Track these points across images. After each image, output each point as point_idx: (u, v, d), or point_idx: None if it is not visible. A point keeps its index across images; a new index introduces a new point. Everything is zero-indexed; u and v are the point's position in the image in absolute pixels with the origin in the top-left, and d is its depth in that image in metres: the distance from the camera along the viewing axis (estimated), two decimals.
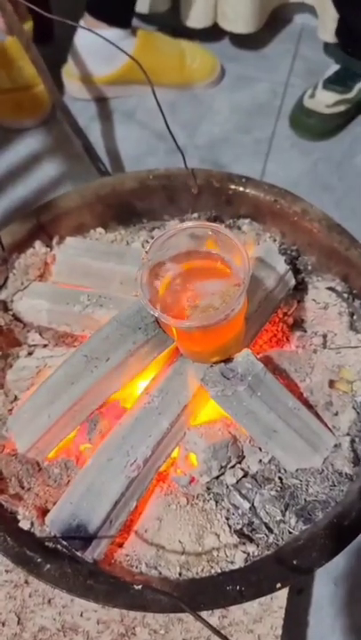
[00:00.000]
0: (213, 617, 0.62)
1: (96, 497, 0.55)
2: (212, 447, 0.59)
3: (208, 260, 0.55)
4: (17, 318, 0.71)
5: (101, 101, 1.34)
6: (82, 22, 1.26)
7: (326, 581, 0.77)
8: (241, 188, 0.77)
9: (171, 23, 1.40)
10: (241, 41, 1.43)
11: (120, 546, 0.58)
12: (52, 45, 1.46)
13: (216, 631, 0.42)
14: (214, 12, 1.34)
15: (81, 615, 0.62)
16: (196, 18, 1.36)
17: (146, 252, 0.54)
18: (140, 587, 0.49)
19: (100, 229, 0.79)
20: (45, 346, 0.70)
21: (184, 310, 0.53)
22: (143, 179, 0.78)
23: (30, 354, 0.68)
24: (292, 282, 0.68)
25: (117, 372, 0.59)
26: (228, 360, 0.59)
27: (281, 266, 0.66)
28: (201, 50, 1.34)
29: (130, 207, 0.79)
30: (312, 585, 0.77)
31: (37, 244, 0.75)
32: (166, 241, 0.54)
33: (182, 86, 1.33)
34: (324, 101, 1.21)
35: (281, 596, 0.63)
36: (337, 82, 1.22)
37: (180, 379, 0.60)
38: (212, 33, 1.41)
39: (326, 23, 1.29)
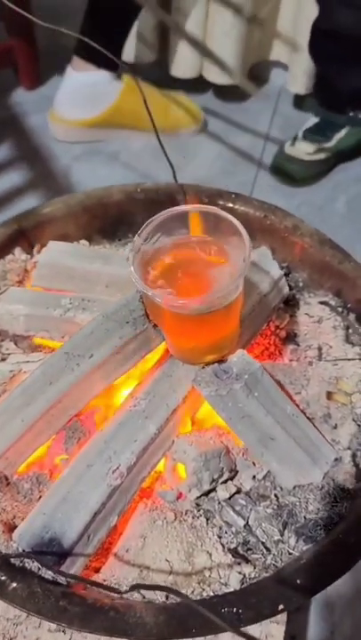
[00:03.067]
0: None
1: (73, 507, 0.49)
2: (203, 456, 0.53)
3: (204, 246, 0.52)
4: None
5: (86, 144, 1.35)
6: (69, 66, 1.29)
7: (322, 628, 0.70)
8: (230, 204, 0.75)
9: (155, 75, 1.45)
10: (223, 95, 1.48)
11: (97, 571, 0.51)
12: (39, 90, 1.50)
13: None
14: (200, 64, 1.39)
15: None
16: (184, 69, 1.40)
17: (138, 234, 0.51)
18: (127, 588, 0.42)
19: (83, 241, 0.75)
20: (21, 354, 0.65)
21: (178, 296, 0.49)
22: (131, 192, 0.76)
23: (4, 359, 0.63)
24: (286, 289, 0.65)
25: (101, 371, 0.54)
26: (221, 361, 0.55)
27: (275, 270, 0.64)
28: (185, 99, 1.38)
29: (116, 220, 0.76)
30: (306, 632, 0.69)
31: (17, 250, 0.71)
32: (159, 224, 0.51)
33: (166, 132, 1.35)
34: (305, 150, 1.24)
35: (278, 635, 0.56)
36: (317, 132, 1.26)
37: (169, 381, 0.55)
38: (195, 87, 1.46)
39: (297, 76, 1.35)
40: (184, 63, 1.38)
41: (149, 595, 0.48)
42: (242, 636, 0.34)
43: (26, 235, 0.71)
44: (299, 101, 1.46)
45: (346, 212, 1.24)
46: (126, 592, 0.41)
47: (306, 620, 0.70)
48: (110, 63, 1.25)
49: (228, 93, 1.46)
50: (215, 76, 1.38)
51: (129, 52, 1.39)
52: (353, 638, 0.71)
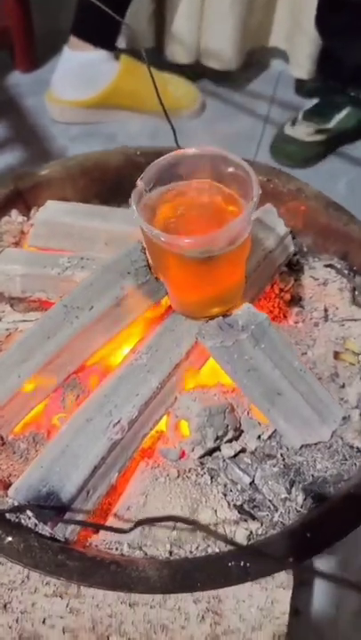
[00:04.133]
0: (204, 624, 0.51)
1: (72, 461, 0.47)
2: (207, 411, 0.51)
3: (209, 191, 0.50)
4: None
5: (83, 125, 1.33)
6: (66, 45, 1.27)
7: (326, 603, 0.67)
8: (232, 168, 0.73)
9: (152, 61, 1.43)
10: (221, 80, 1.47)
11: (96, 532, 0.49)
12: (35, 73, 1.48)
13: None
14: (198, 49, 1.37)
15: (43, 622, 0.51)
16: (180, 54, 1.39)
17: (140, 178, 0.49)
18: (131, 525, 0.39)
19: None
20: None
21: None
22: (130, 154, 0.74)
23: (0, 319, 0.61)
24: (292, 247, 0.63)
25: (101, 325, 0.52)
26: (226, 315, 0.53)
27: (281, 227, 0.62)
28: (183, 80, 1.36)
29: (114, 184, 0.74)
30: (310, 606, 0.67)
31: (14, 212, 0.69)
32: (163, 168, 0.49)
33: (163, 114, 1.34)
34: (304, 130, 1.23)
35: (284, 600, 0.54)
36: (316, 113, 1.24)
37: (171, 335, 0.53)
38: (193, 72, 1.44)
39: (300, 61, 1.34)
40: (181, 49, 1.36)
41: (152, 551, 0.45)
42: (253, 552, 0.31)
43: (23, 196, 0.69)
44: (299, 86, 1.45)
45: (347, 194, 1.22)
46: (131, 529, 0.39)
47: (310, 595, 0.68)
48: (107, 42, 1.23)
49: (226, 78, 1.44)
50: (213, 61, 1.37)
51: (124, 37, 1.37)
52: (358, 614, 0.69)
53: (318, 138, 1.24)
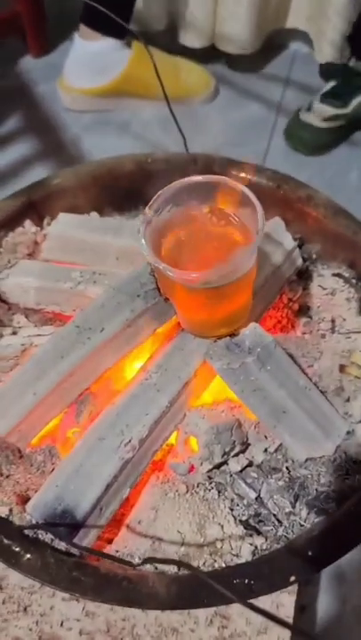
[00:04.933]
0: (213, 627, 0.55)
1: (86, 479, 0.49)
2: (215, 429, 0.53)
3: (216, 218, 0.51)
4: (2, 299, 0.66)
5: (95, 113, 1.32)
6: (77, 34, 1.26)
7: (331, 599, 0.70)
8: (243, 174, 0.74)
9: (167, 44, 1.41)
10: (234, 63, 1.45)
11: (109, 542, 0.52)
12: (47, 58, 1.47)
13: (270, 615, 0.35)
14: (212, 33, 1.35)
15: (61, 625, 0.55)
16: (194, 38, 1.36)
17: (148, 207, 0.50)
18: (140, 561, 0.42)
19: (94, 213, 0.74)
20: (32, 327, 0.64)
21: (189, 269, 0.48)
22: (141, 162, 0.74)
23: (15, 333, 0.63)
24: (300, 260, 0.64)
25: (112, 345, 0.54)
26: (233, 335, 0.54)
27: (288, 242, 0.63)
28: (196, 66, 1.34)
29: (126, 191, 0.75)
30: (316, 602, 0.70)
31: (27, 222, 0.70)
32: (171, 196, 0.50)
33: (176, 100, 1.32)
34: (321, 115, 1.21)
35: (288, 604, 0.57)
36: (334, 96, 1.22)
37: (180, 354, 0.55)
38: (206, 55, 1.42)
39: (323, 46, 1.31)
40: (195, 32, 1.34)
41: (161, 566, 0.48)
42: (249, 607, 0.34)
43: (35, 207, 0.71)
44: (315, 67, 1.42)
45: (358, 184, 1.21)
46: (138, 565, 0.42)
47: (316, 590, 0.71)
48: (118, 31, 1.22)
49: (241, 61, 1.42)
50: (228, 45, 1.34)
51: (138, 20, 1.35)
52: None
53: (334, 124, 1.22)
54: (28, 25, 1.40)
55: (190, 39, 1.37)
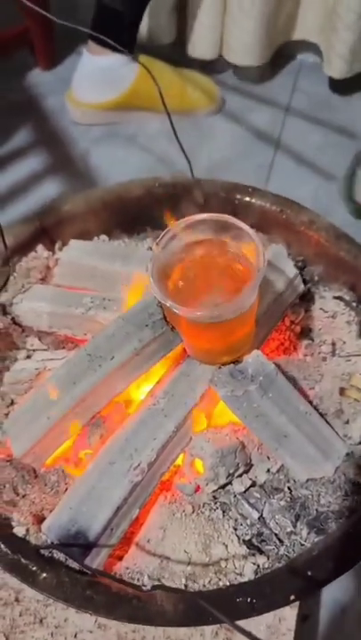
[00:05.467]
0: (218, 639, 0.58)
1: (97, 502, 0.52)
2: (219, 452, 0.56)
3: (221, 255, 0.53)
4: (16, 322, 0.69)
5: (103, 126, 1.35)
6: (85, 49, 1.28)
7: (333, 608, 0.73)
8: (247, 198, 0.76)
9: (174, 55, 1.43)
10: (243, 73, 1.46)
11: (120, 559, 0.55)
12: (56, 71, 1.49)
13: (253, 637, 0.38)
14: (221, 45, 1.37)
15: (75, 636, 0.58)
16: (202, 49, 1.38)
17: (156, 243, 0.52)
18: (148, 587, 0.45)
19: (103, 236, 0.77)
20: (45, 350, 0.67)
21: (195, 304, 0.51)
22: (149, 187, 0.77)
23: (29, 357, 0.66)
24: (301, 287, 0.67)
25: (122, 372, 0.57)
26: (237, 361, 0.57)
27: (290, 269, 0.65)
28: (202, 78, 1.36)
29: (135, 215, 0.78)
30: (318, 611, 0.73)
31: (40, 247, 0.73)
32: (179, 233, 0.53)
33: (183, 113, 1.35)
34: None
35: (290, 618, 0.59)
36: None
37: (186, 380, 0.58)
38: (213, 65, 1.44)
39: (332, 59, 1.32)
40: (203, 44, 1.36)
41: (169, 583, 0.51)
42: (236, 629, 0.37)
43: (47, 232, 0.73)
44: (322, 78, 1.43)
45: None
46: (148, 591, 0.45)
47: (318, 600, 0.74)
48: (125, 46, 1.24)
49: (248, 71, 1.44)
50: (236, 57, 1.36)
51: (145, 32, 1.37)
52: None
53: None
54: (36, 38, 1.43)
55: (199, 51, 1.39)
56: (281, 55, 1.49)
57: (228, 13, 1.31)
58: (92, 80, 1.29)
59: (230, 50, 1.36)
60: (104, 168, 1.27)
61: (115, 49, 1.22)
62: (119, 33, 1.22)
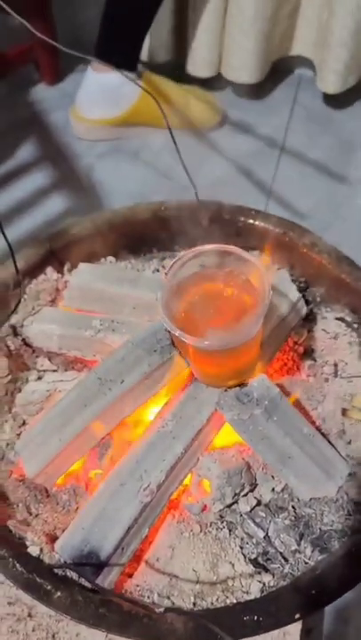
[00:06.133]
0: None
1: (108, 522, 0.54)
2: (226, 473, 0.58)
3: (228, 283, 0.55)
4: (26, 343, 0.71)
5: (107, 142, 1.37)
6: (89, 66, 1.31)
7: (336, 620, 0.75)
8: (251, 221, 0.78)
9: (175, 72, 1.46)
10: (242, 89, 1.49)
11: (130, 576, 0.57)
12: (60, 86, 1.52)
13: None
14: (219, 62, 1.40)
15: None
16: (201, 67, 1.41)
17: (166, 273, 0.54)
18: (161, 610, 0.47)
19: (110, 258, 0.79)
20: (55, 371, 0.69)
21: (202, 332, 0.53)
22: (155, 210, 0.79)
23: (40, 378, 0.68)
24: (304, 310, 0.69)
25: (131, 395, 0.59)
26: (242, 385, 0.59)
27: (293, 293, 0.67)
28: (204, 94, 1.39)
29: (141, 237, 0.80)
30: (322, 624, 0.75)
31: (49, 270, 0.75)
32: (187, 262, 0.55)
33: (185, 129, 1.37)
34: None
35: (294, 633, 0.61)
36: None
37: (194, 403, 0.60)
38: (215, 81, 1.47)
39: (326, 75, 1.35)
40: (202, 62, 1.39)
41: (178, 601, 0.53)
42: None
43: (56, 254, 0.75)
44: (319, 94, 1.46)
45: None
46: (160, 614, 0.47)
47: (322, 613, 0.76)
48: (129, 64, 1.26)
49: (248, 87, 1.46)
50: (234, 74, 1.39)
51: (145, 50, 1.40)
52: None
53: None
54: (41, 54, 1.46)
55: (197, 69, 1.41)
56: (279, 69, 1.52)
57: (227, 33, 1.33)
58: (96, 96, 1.32)
59: (229, 67, 1.39)
60: (108, 183, 1.30)
61: (118, 67, 1.25)
62: (124, 47, 1.24)
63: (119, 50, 1.24)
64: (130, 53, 1.27)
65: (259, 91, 1.49)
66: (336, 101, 1.46)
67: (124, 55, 1.26)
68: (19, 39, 1.42)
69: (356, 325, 0.71)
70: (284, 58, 1.48)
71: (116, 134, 1.36)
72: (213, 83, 1.47)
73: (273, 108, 1.48)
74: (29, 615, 0.62)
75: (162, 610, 0.47)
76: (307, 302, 0.74)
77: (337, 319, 0.72)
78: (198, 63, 1.40)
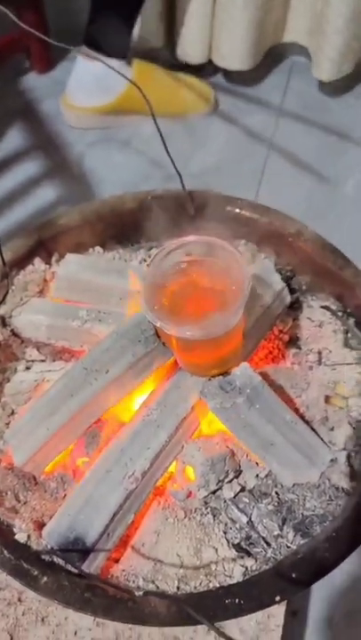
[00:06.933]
0: (210, 635, 0.61)
1: (94, 509, 0.55)
2: (210, 460, 0.59)
3: (210, 274, 0.56)
4: (15, 334, 0.72)
5: (98, 130, 1.37)
6: (79, 55, 1.30)
7: (322, 603, 0.77)
8: (237, 210, 0.79)
9: (165, 59, 1.45)
10: (234, 75, 1.48)
11: (116, 561, 0.58)
12: (51, 74, 1.51)
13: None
14: (209, 49, 1.39)
15: (75, 634, 0.61)
16: (192, 54, 1.40)
17: (147, 265, 0.55)
18: (141, 593, 0.48)
19: (98, 248, 0.80)
20: (43, 361, 0.70)
21: (185, 322, 0.54)
22: (142, 200, 0.79)
23: (28, 368, 0.69)
24: (288, 299, 0.70)
25: (117, 385, 0.60)
26: (226, 373, 0.60)
27: (277, 283, 0.68)
28: (196, 81, 1.38)
29: (128, 227, 0.80)
30: (307, 607, 0.76)
31: (37, 260, 0.76)
32: (169, 254, 0.56)
33: (177, 116, 1.37)
34: None
35: (278, 615, 0.63)
36: None
37: (178, 392, 0.61)
38: (206, 67, 1.46)
39: (321, 62, 1.34)
40: (192, 48, 1.38)
41: (162, 585, 0.54)
42: (215, 631, 0.40)
43: (44, 245, 0.76)
44: (313, 77, 1.45)
45: (356, 196, 1.25)
46: (139, 597, 0.48)
47: (308, 595, 0.77)
48: (119, 52, 1.26)
49: (240, 73, 1.45)
50: (225, 61, 1.38)
51: (135, 36, 1.39)
52: (351, 614, 0.78)
53: None
54: (32, 42, 1.45)
55: (188, 55, 1.40)
56: (272, 55, 1.51)
57: (217, 18, 1.32)
58: (87, 85, 1.31)
59: (219, 54, 1.38)
60: (99, 172, 1.30)
61: (108, 55, 1.25)
62: (114, 34, 1.23)
63: (109, 38, 1.24)
64: (119, 41, 1.26)
65: (251, 77, 1.48)
66: (330, 89, 1.45)
67: (113, 43, 1.25)
68: (8, 28, 1.41)
69: (340, 314, 0.72)
70: (281, 46, 1.47)
71: (107, 122, 1.36)
72: (205, 69, 1.46)
73: (265, 95, 1.47)
74: (19, 600, 0.63)
75: (141, 593, 0.49)
76: (292, 291, 0.75)
77: (322, 307, 0.73)
78: (189, 50, 1.39)
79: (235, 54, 1.35)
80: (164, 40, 1.43)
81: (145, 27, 1.39)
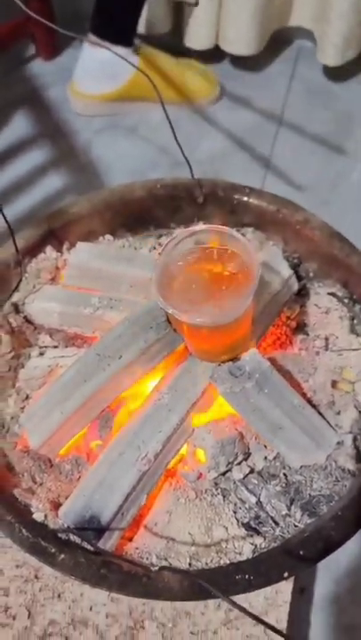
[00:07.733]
0: (220, 610, 0.64)
1: (108, 490, 0.57)
2: (220, 443, 0.61)
3: (220, 262, 0.57)
4: (28, 320, 0.73)
5: (105, 117, 1.38)
6: (85, 42, 1.30)
7: (328, 581, 0.79)
8: (245, 198, 0.80)
9: (171, 44, 1.45)
10: (240, 61, 1.48)
11: (130, 540, 0.60)
12: (57, 61, 1.51)
13: (245, 610, 0.43)
14: (216, 34, 1.39)
15: (90, 609, 0.64)
16: (198, 39, 1.40)
17: (159, 253, 0.56)
18: (156, 568, 0.50)
19: (108, 236, 0.81)
20: (56, 347, 0.72)
21: (195, 309, 0.55)
22: (151, 188, 0.80)
23: (42, 354, 0.70)
24: (296, 286, 0.71)
25: (129, 370, 0.62)
26: (235, 359, 0.62)
27: (285, 270, 0.69)
28: (202, 68, 1.39)
29: (138, 215, 0.81)
30: (314, 584, 0.79)
31: (48, 248, 0.77)
32: (180, 242, 0.57)
33: (183, 103, 1.37)
34: None
35: (285, 591, 0.65)
36: None
37: (189, 377, 0.62)
38: (212, 53, 1.46)
39: (325, 47, 1.34)
40: (199, 34, 1.38)
41: (175, 562, 0.56)
42: (230, 603, 0.42)
43: (55, 234, 0.77)
44: (318, 66, 1.45)
45: None
46: (154, 572, 0.50)
47: (314, 574, 0.80)
48: (125, 39, 1.26)
49: (246, 59, 1.45)
50: (232, 46, 1.38)
51: (142, 22, 1.39)
52: (354, 590, 0.80)
53: None
54: (37, 29, 1.45)
55: (194, 41, 1.40)
56: (278, 41, 1.50)
57: (224, 5, 1.32)
58: (93, 72, 1.32)
59: (226, 40, 1.38)
60: (106, 159, 1.31)
61: (114, 42, 1.25)
62: (120, 21, 1.23)
63: (115, 24, 1.24)
64: (126, 28, 1.26)
65: (257, 63, 1.48)
66: (336, 74, 1.45)
67: (120, 30, 1.25)
68: (14, 14, 1.41)
69: (346, 300, 0.74)
70: (283, 29, 1.47)
71: (114, 109, 1.36)
72: (211, 55, 1.46)
73: (272, 81, 1.47)
74: (36, 577, 0.66)
75: (156, 568, 0.51)
76: (300, 278, 0.77)
77: (329, 294, 0.74)
78: (195, 35, 1.39)
79: (241, 39, 1.35)
80: (171, 26, 1.43)
81: (151, 13, 1.39)
